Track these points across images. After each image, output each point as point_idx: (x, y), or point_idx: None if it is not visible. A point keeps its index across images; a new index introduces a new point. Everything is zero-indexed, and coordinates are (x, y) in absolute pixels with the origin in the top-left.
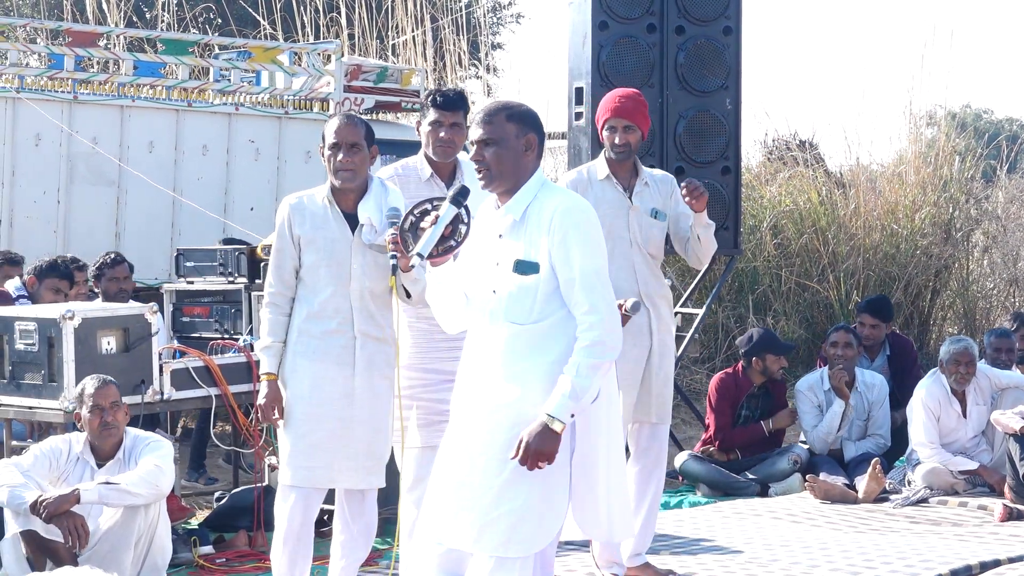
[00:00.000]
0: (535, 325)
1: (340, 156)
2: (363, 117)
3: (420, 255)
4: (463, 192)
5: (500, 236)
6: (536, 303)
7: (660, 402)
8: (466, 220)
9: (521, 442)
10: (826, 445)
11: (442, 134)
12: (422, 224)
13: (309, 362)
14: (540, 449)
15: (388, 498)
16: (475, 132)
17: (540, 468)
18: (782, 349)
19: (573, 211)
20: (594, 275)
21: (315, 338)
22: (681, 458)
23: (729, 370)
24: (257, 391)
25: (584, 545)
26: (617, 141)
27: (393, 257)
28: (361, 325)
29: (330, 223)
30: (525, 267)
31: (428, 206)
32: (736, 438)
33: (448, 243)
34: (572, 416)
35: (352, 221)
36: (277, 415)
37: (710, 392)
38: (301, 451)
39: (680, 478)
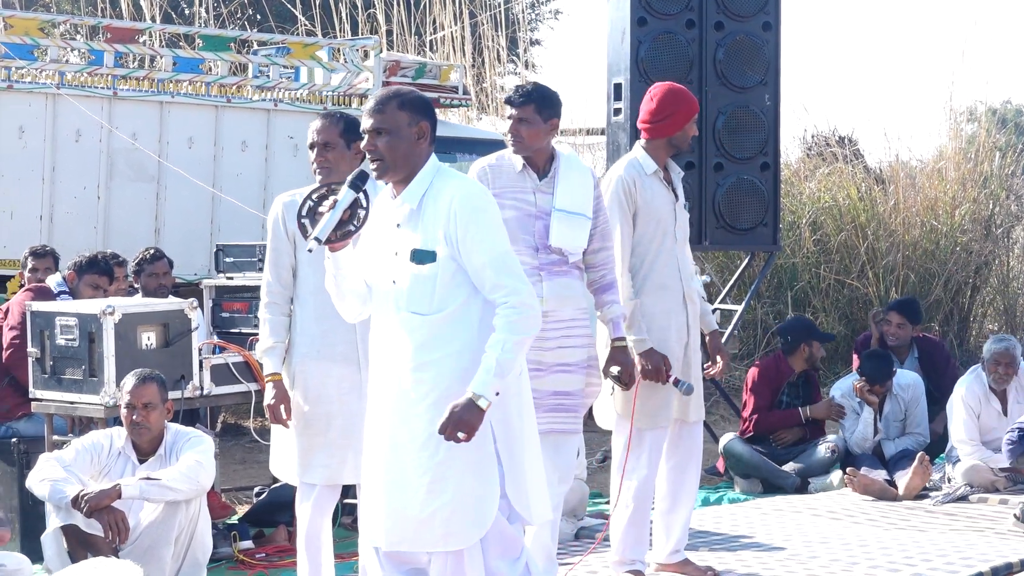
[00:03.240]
0: (437, 315)
1: (313, 155)
2: (349, 114)
3: (318, 240)
4: (362, 176)
5: (398, 225)
6: (436, 292)
7: (697, 399)
8: (365, 205)
9: (447, 413)
10: (864, 449)
11: (509, 127)
12: (320, 209)
13: (314, 361)
14: (461, 419)
15: None
16: (366, 122)
17: (459, 440)
18: (825, 337)
19: (472, 197)
20: (505, 256)
21: (317, 336)
22: (726, 438)
23: (768, 358)
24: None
25: (606, 542)
26: (695, 134)
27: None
28: None
29: None
30: (422, 256)
31: (326, 191)
32: (773, 420)
33: (347, 228)
34: (497, 394)
35: None
36: (286, 415)
37: (750, 376)
38: (314, 449)
39: (723, 470)
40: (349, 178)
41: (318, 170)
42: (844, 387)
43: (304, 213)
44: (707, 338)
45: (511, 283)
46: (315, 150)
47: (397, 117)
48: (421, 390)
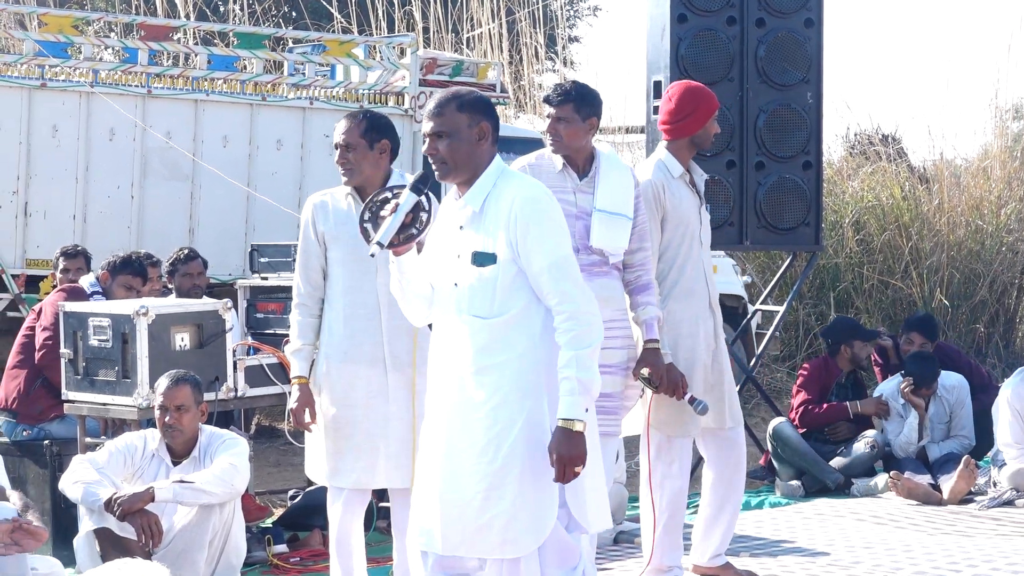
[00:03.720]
0: (498, 319)
1: (336, 156)
2: (373, 112)
3: (380, 244)
4: (424, 179)
5: (460, 227)
6: (496, 295)
7: (732, 405)
8: (427, 208)
9: (551, 455)
10: (908, 452)
11: (547, 126)
12: (382, 213)
13: (340, 364)
14: (569, 456)
15: None
16: (426, 125)
17: (577, 475)
18: (868, 335)
19: (533, 200)
20: (562, 262)
21: (345, 338)
22: (776, 421)
23: (817, 359)
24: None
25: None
26: (718, 132)
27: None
28: (389, 320)
29: (353, 218)
30: (483, 258)
31: (388, 195)
32: (821, 413)
33: (409, 231)
34: (587, 410)
35: None
36: (309, 419)
37: (801, 372)
38: (341, 453)
39: (764, 462)
40: (411, 181)
41: (342, 171)
42: (888, 389)
43: (366, 217)
44: None
45: (568, 289)
46: (338, 150)
47: (456, 119)
48: (481, 394)
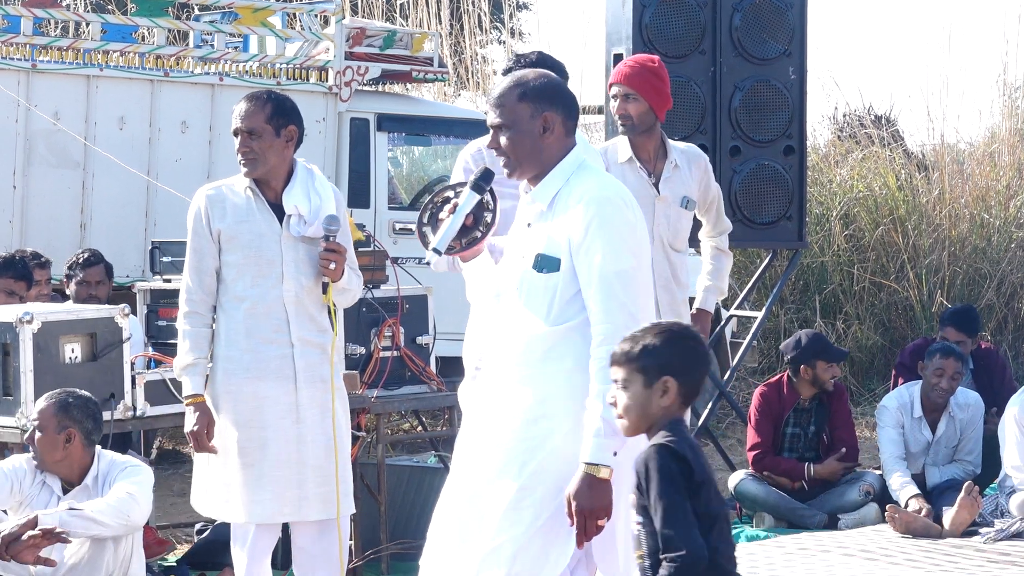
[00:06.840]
0: (554, 329)
1: (237, 144)
2: (277, 93)
3: (437, 251)
4: (486, 176)
5: (529, 225)
6: (555, 304)
7: None
8: (492, 207)
9: (569, 505)
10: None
11: None
12: (441, 215)
13: (243, 380)
14: (593, 507)
15: (376, 535)
16: (490, 116)
17: (600, 528)
18: (834, 355)
19: (602, 201)
20: (616, 277)
21: (247, 351)
22: (737, 477)
23: (773, 380)
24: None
25: None
26: (615, 110)
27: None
28: (298, 331)
29: (255, 215)
30: (544, 263)
31: (450, 193)
32: (777, 466)
33: (472, 234)
34: (615, 453)
35: (280, 212)
36: (212, 442)
37: (752, 403)
38: (248, 482)
39: (737, 507)
40: (472, 178)
41: (243, 161)
42: (901, 399)
43: (424, 220)
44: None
45: (613, 310)
46: (239, 137)
47: (518, 110)
48: (521, 405)
